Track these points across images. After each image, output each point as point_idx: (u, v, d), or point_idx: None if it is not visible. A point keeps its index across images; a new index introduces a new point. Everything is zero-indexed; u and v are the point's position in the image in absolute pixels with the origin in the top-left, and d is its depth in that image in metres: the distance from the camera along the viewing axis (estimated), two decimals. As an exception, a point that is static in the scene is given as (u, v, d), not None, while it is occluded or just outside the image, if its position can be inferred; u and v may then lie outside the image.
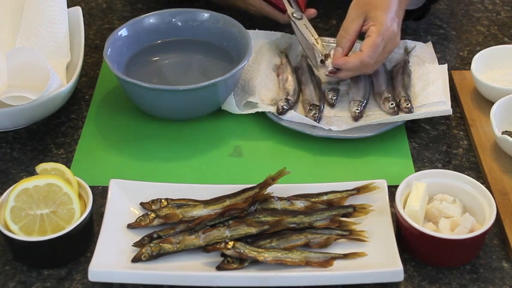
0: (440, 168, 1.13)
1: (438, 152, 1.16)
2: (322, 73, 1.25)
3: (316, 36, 1.27)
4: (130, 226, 1.02)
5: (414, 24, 1.41)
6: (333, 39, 1.35)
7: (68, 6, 1.29)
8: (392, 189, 1.04)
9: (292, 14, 1.28)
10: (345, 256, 0.98)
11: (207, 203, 1.03)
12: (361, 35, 1.21)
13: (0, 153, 1.16)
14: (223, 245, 0.97)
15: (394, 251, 0.96)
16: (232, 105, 1.20)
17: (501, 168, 1.11)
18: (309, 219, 1.01)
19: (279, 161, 1.13)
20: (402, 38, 1.32)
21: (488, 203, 0.99)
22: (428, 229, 0.96)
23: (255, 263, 0.97)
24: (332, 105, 1.22)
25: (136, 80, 1.15)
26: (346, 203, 1.05)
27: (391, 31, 1.18)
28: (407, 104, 1.18)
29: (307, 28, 1.28)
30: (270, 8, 1.31)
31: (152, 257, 0.97)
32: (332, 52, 1.23)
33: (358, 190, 1.05)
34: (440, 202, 1.01)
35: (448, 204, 1.00)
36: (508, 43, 1.38)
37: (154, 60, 1.28)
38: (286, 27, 1.34)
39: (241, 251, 0.96)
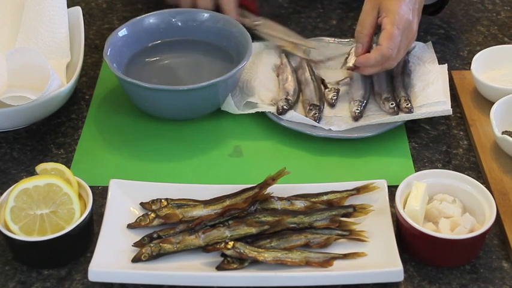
0: (440, 168, 1.13)
1: (438, 152, 1.16)
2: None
3: (288, 34, 1.28)
4: (130, 226, 1.02)
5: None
6: (333, 39, 1.35)
7: (68, 6, 1.29)
8: (392, 189, 1.04)
9: (254, 22, 1.28)
10: (345, 256, 0.98)
11: (207, 203, 1.03)
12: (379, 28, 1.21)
13: (0, 153, 1.16)
14: (223, 245, 0.97)
15: (394, 251, 0.96)
16: (231, 105, 1.20)
17: (501, 168, 1.11)
18: (309, 219, 1.01)
19: (279, 161, 1.13)
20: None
21: (488, 203, 0.99)
22: (428, 229, 0.96)
23: (255, 263, 0.97)
24: (332, 105, 1.22)
25: (136, 80, 1.15)
26: (346, 203, 1.05)
27: (405, 19, 1.16)
28: (407, 104, 1.18)
29: (273, 29, 1.29)
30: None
31: (152, 257, 0.97)
32: (353, 50, 1.23)
33: (358, 190, 1.05)
34: (440, 202, 1.01)
35: (448, 204, 1.00)
36: (508, 43, 1.38)
37: (154, 60, 1.28)
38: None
39: (241, 251, 0.96)
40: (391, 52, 1.16)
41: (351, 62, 1.22)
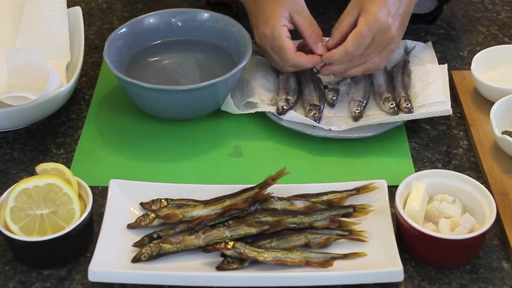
0: (440, 168, 1.13)
1: (438, 152, 1.16)
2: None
3: None
4: (130, 226, 1.02)
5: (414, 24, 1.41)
6: (333, 39, 1.35)
7: (68, 6, 1.29)
8: (392, 189, 1.04)
9: None
10: (345, 256, 0.98)
11: (207, 203, 1.03)
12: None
13: (0, 153, 1.16)
14: (223, 245, 0.97)
15: (394, 251, 0.96)
16: (231, 105, 1.20)
17: (501, 168, 1.11)
18: (309, 219, 1.01)
19: (279, 161, 1.13)
20: (402, 38, 1.32)
21: (488, 203, 0.99)
22: (428, 229, 0.96)
23: (255, 263, 0.97)
24: (332, 105, 1.22)
25: (136, 80, 1.15)
26: (346, 203, 1.05)
27: (381, 22, 1.14)
28: (407, 104, 1.18)
29: None
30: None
31: (152, 257, 0.97)
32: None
33: (358, 190, 1.05)
34: (440, 202, 1.01)
35: (448, 204, 1.00)
36: (508, 43, 1.38)
37: (154, 60, 1.28)
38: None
39: (241, 251, 0.96)
40: (354, 50, 1.15)
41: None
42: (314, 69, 1.27)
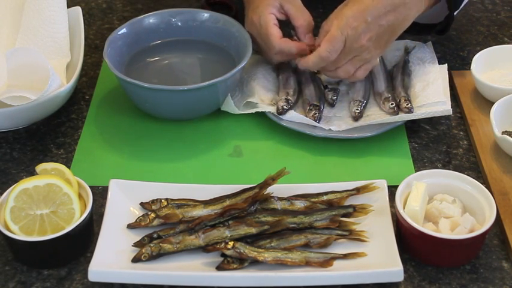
0: (440, 168, 1.13)
1: (438, 152, 1.16)
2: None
3: None
4: (130, 226, 1.02)
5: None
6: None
7: (68, 6, 1.29)
8: (392, 189, 1.04)
9: None
10: (345, 256, 0.98)
11: (207, 203, 1.03)
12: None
13: (0, 153, 1.16)
14: (223, 245, 0.97)
15: (394, 251, 0.96)
16: (231, 105, 1.20)
17: (501, 168, 1.11)
18: (309, 219, 1.01)
19: (279, 161, 1.13)
20: (402, 38, 1.32)
21: (488, 203, 0.99)
22: (428, 229, 0.96)
23: (255, 263, 0.97)
24: (332, 105, 1.22)
25: (136, 80, 1.15)
26: (346, 203, 1.05)
27: (352, 28, 1.11)
28: (407, 104, 1.18)
29: None
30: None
31: (152, 257, 0.97)
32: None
33: (358, 190, 1.05)
34: (440, 202, 1.01)
35: (448, 204, 1.00)
36: (508, 43, 1.38)
37: (154, 60, 1.28)
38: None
39: (241, 251, 0.96)
40: (329, 55, 1.13)
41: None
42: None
